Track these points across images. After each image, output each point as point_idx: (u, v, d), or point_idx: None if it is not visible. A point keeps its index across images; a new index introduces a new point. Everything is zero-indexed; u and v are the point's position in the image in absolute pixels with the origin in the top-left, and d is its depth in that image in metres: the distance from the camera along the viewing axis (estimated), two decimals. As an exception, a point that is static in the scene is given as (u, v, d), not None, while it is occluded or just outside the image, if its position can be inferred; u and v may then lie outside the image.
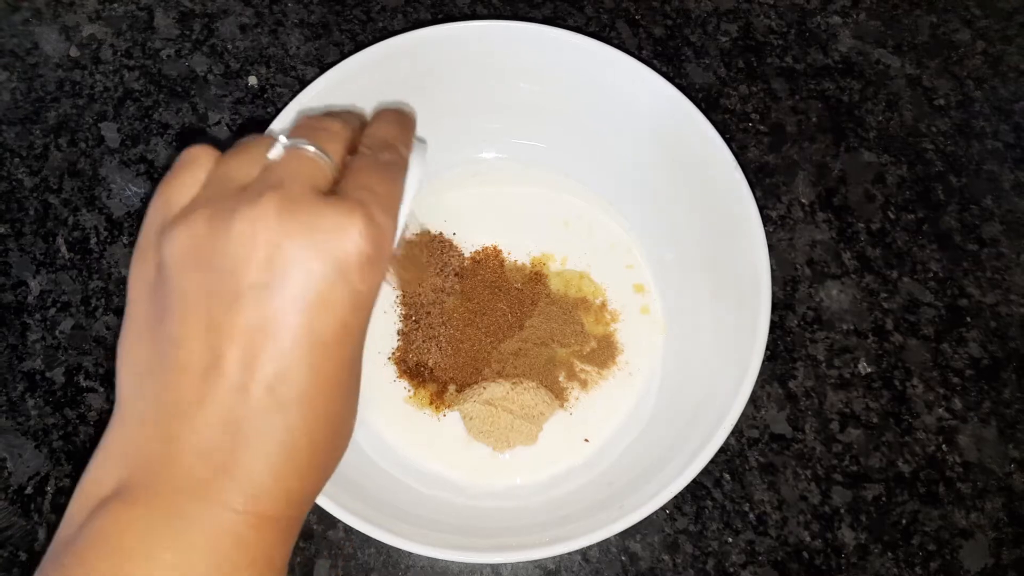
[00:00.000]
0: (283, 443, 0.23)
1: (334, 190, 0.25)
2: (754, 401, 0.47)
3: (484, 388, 0.44)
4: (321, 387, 0.23)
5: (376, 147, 0.28)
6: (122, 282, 0.49)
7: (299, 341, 0.23)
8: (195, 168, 0.26)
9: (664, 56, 0.54)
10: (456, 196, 0.50)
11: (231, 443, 0.22)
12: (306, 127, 0.27)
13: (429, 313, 0.46)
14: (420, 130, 0.47)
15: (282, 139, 0.26)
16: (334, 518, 0.35)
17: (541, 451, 0.45)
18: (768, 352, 0.47)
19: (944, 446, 0.47)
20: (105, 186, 0.50)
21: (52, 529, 0.44)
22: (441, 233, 0.49)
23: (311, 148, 0.25)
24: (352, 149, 0.28)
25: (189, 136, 0.52)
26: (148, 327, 0.24)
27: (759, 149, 0.53)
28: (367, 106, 0.44)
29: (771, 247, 0.42)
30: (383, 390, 0.46)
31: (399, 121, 0.30)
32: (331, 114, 0.28)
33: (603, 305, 0.48)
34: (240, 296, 0.22)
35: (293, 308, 0.22)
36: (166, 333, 0.23)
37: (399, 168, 0.28)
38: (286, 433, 0.23)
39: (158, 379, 0.23)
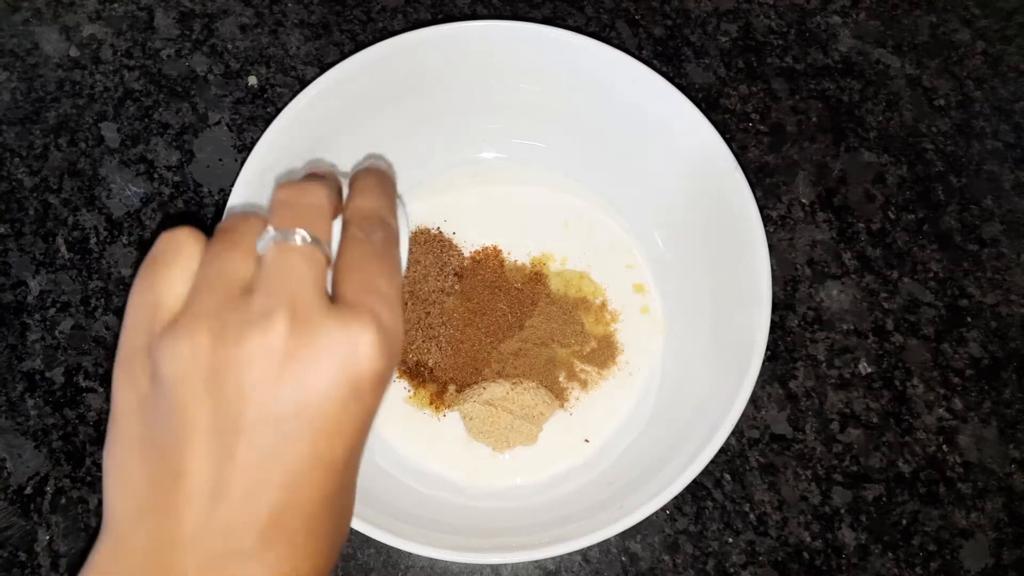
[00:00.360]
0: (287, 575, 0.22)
1: (335, 292, 0.24)
2: (754, 401, 0.47)
3: (484, 388, 0.44)
4: (327, 509, 0.23)
5: (366, 225, 0.26)
6: (122, 282, 0.49)
7: (310, 468, 0.22)
8: (181, 260, 0.24)
9: (664, 56, 0.54)
10: (456, 196, 0.50)
11: None
12: (289, 207, 0.25)
13: (429, 313, 0.46)
14: (420, 130, 0.48)
15: (270, 231, 0.24)
16: (334, 518, 0.35)
17: (541, 451, 0.45)
18: (768, 352, 0.47)
19: (944, 446, 0.47)
20: (105, 186, 0.50)
21: (51, 529, 0.44)
22: (441, 233, 0.49)
23: (302, 239, 0.24)
24: (335, 213, 0.26)
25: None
26: (144, 447, 0.23)
27: (759, 149, 0.53)
28: (367, 106, 0.44)
29: (771, 247, 0.42)
30: (383, 390, 0.46)
31: (382, 188, 0.29)
32: (310, 182, 0.26)
33: (603, 305, 0.48)
34: (250, 423, 0.22)
35: (305, 435, 0.22)
36: (169, 461, 0.22)
37: (394, 247, 0.27)
38: (291, 564, 0.22)
39: (160, 510, 0.22)
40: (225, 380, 0.22)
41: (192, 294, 0.23)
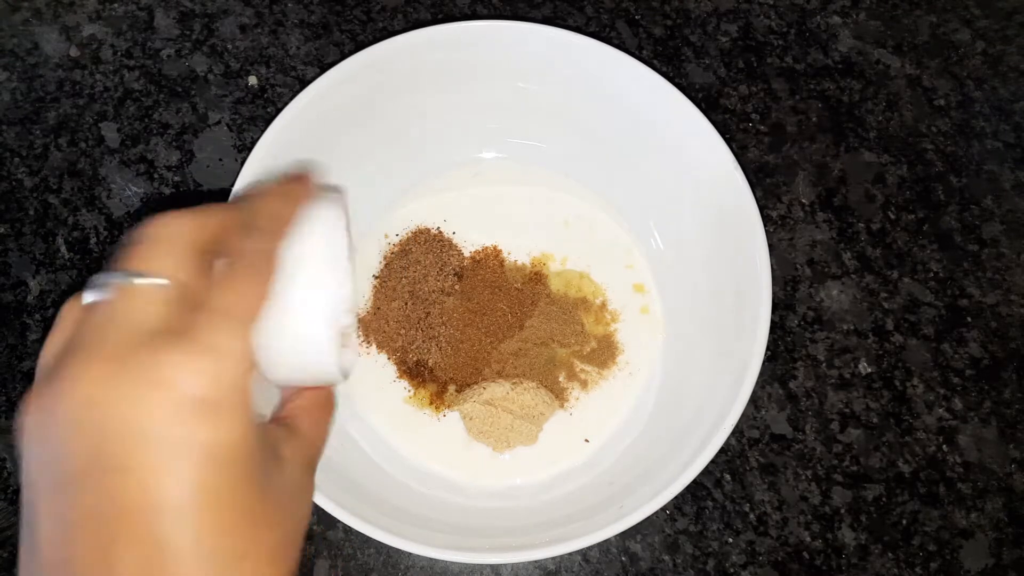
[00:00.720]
0: None
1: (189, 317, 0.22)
2: (754, 401, 0.47)
3: (484, 388, 0.44)
4: (203, 551, 0.20)
5: (246, 244, 0.24)
6: (122, 282, 0.48)
7: (154, 521, 0.20)
8: (64, 324, 0.23)
9: (664, 56, 0.54)
10: (456, 196, 0.50)
11: None
12: (134, 246, 0.23)
13: (429, 313, 0.46)
14: (420, 130, 0.48)
15: (91, 287, 0.22)
16: (334, 518, 0.35)
17: (541, 451, 0.45)
18: (768, 352, 0.47)
19: (944, 446, 0.47)
20: (105, 186, 0.50)
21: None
22: (441, 232, 0.49)
23: (135, 280, 0.22)
24: (223, 237, 0.24)
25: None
26: (26, 552, 0.22)
27: (759, 149, 0.53)
28: (367, 106, 0.44)
29: (771, 247, 0.42)
30: (383, 390, 0.46)
31: (280, 201, 0.26)
32: (175, 215, 0.24)
33: (603, 305, 0.48)
34: (70, 486, 0.20)
35: (135, 489, 0.20)
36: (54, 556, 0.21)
37: (264, 265, 0.24)
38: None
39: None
40: (45, 443, 0.21)
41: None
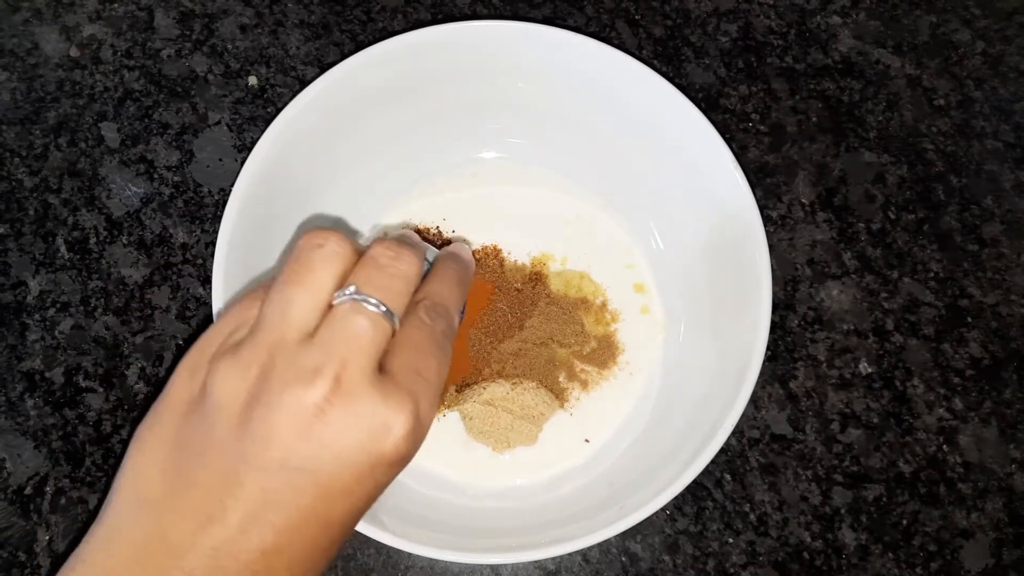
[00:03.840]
0: None
1: (385, 361, 0.25)
2: (755, 401, 0.47)
3: (484, 388, 0.44)
4: (314, 560, 0.24)
5: (433, 311, 0.27)
6: (121, 282, 0.48)
7: (309, 522, 0.23)
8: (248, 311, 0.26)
9: (664, 56, 0.54)
10: (456, 196, 0.50)
11: None
12: (379, 269, 0.26)
13: (429, 313, 0.46)
14: (420, 129, 0.48)
15: (351, 289, 0.25)
16: (334, 518, 0.35)
17: (541, 452, 0.45)
18: (769, 352, 0.47)
19: (945, 446, 0.47)
20: (105, 186, 0.50)
21: (51, 529, 0.44)
22: (440, 232, 0.48)
23: (378, 309, 0.24)
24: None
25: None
26: (172, 446, 0.24)
27: (759, 149, 0.53)
28: (367, 106, 0.44)
29: (771, 247, 0.41)
30: (383, 390, 0.46)
31: (459, 280, 0.30)
32: (407, 250, 0.27)
33: (603, 305, 0.48)
34: (268, 466, 0.22)
35: (310, 491, 0.23)
36: (186, 467, 0.23)
37: (449, 341, 0.27)
38: None
39: (161, 512, 0.23)
40: (257, 418, 0.23)
41: (256, 325, 0.25)
